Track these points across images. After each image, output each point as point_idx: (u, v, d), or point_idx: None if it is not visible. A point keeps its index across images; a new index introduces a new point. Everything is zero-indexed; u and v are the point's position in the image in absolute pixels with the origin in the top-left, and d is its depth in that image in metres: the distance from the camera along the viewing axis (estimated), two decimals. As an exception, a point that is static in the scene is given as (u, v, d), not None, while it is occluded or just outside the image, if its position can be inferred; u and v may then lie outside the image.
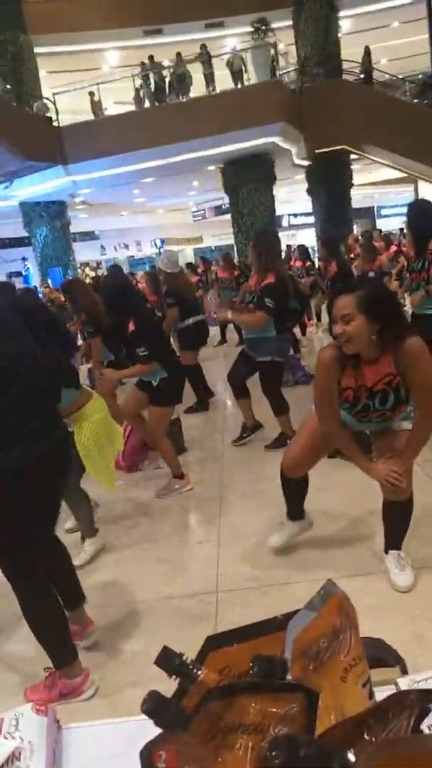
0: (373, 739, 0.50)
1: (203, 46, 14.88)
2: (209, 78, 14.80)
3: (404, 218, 4.86)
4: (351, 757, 0.51)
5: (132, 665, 2.25)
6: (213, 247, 26.25)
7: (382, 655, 1.61)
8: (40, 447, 1.94)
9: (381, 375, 2.29)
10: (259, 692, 0.57)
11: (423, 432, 2.38)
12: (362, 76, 15.70)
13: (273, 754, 0.48)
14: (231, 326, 9.01)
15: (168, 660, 0.63)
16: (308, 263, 9.53)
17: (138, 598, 2.77)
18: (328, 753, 0.49)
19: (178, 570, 2.98)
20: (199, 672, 0.63)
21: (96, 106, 15.24)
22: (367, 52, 15.78)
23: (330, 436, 2.53)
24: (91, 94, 15.15)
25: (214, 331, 8.97)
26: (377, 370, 2.29)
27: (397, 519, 2.57)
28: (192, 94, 14.80)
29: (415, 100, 15.92)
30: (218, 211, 23.61)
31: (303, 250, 10.06)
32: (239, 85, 14.44)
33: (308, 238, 19.78)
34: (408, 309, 4.28)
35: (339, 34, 16.13)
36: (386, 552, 2.62)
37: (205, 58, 14.77)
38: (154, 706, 0.57)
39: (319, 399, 2.48)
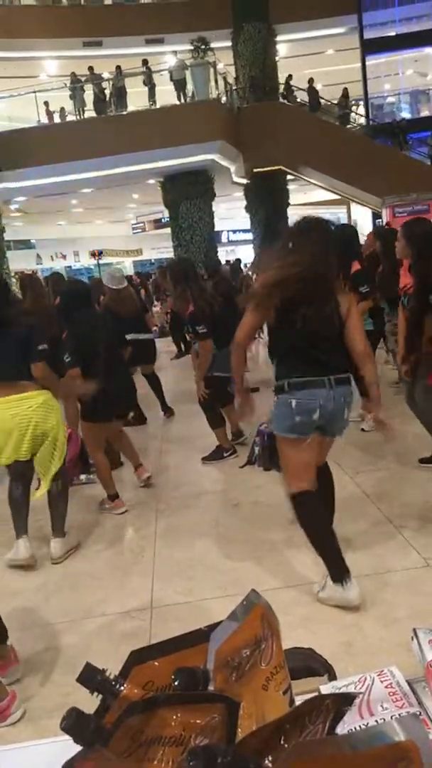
0: (287, 745, 0.52)
1: (145, 62, 14.99)
2: (151, 92, 14.93)
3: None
4: (268, 763, 0.52)
5: (62, 687, 2.19)
6: (153, 260, 26.23)
7: (311, 665, 1.64)
8: None
9: None
10: (180, 704, 0.58)
11: None
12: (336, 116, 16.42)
13: (191, 764, 0.48)
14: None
15: (90, 676, 0.62)
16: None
17: (70, 616, 2.70)
18: (245, 761, 0.50)
19: (112, 587, 2.93)
20: (122, 687, 0.63)
21: (50, 116, 15.12)
22: (345, 94, 16.45)
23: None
24: (46, 103, 15.03)
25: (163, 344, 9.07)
26: None
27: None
28: (131, 108, 14.86)
29: (348, 126, 16.63)
30: (158, 224, 23.64)
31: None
32: (182, 97, 14.63)
33: (247, 254, 20.11)
34: None
35: (276, 58, 16.66)
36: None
37: (147, 73, 14.90)
38: (73, 724, 0.57)
39: None
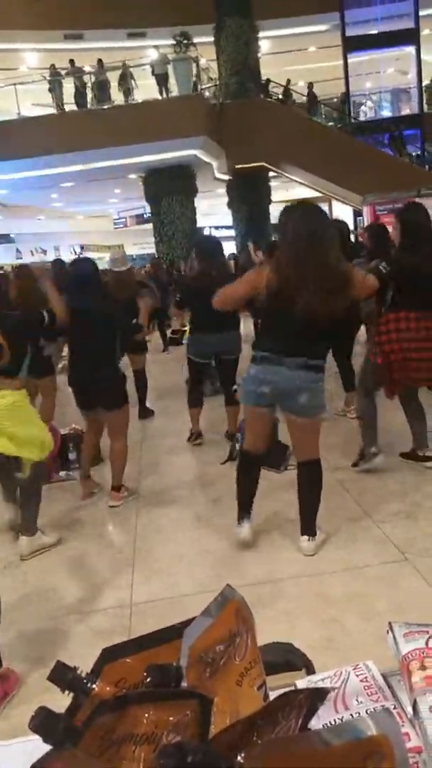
0: (260, 741, 0.51)
1: (124, 65, 14.80)
2: (127, 92, 14.76)
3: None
4: (240, 760, 0.52)
5: (38, 686, 2.17)
6: (134, 256, 26.04)
7: (290, 659, 1.65)
8: None
9: None
10: (152, 701, 0.57)
11: None
12: (335, 124, 16.42)
13: (161, 762, 0.47)
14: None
15: (61, 674, 0.61)
16: None
17: (48, 614, 2.67)
18: (217, 758, 0.49)
19: (91, 584, 2.90)
20: (93, 685, 0.62)
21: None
22: (343, 99, 16.47)
23: None
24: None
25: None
26: None
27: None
28: (114, 102, 14.73)
29: (330, 123, 16.69)
30: (140, 219, 23.51)
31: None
32: (164, 91, 14.54)
33: (229, 250, 20.10)
34: None
35: (259, 54, 16.65)
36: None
37: (126, 70, 14.74)
38: (42, 723, 0.56)
39: None
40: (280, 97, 16.18)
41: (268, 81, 15.92)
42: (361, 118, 17.60)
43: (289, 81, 16.37)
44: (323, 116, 17.19)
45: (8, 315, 3.19)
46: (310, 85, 16.48)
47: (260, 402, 2.79)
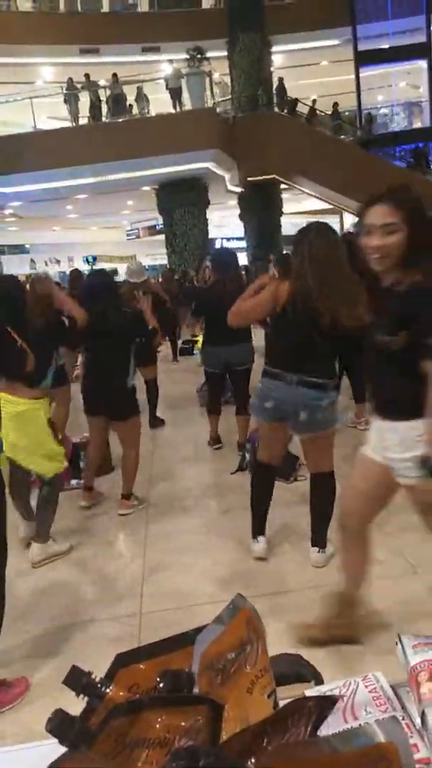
0: (269, 747, 0.52)
1: (140, 89, 15.02)
2: (142, 110, 14.97)
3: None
4: (250, 765, 0.53)
5: (49, 691, 2.18)
6: (147, 267, 26.19)
7: (299, 671, 1.65)
8: None
9: None
10: (164, 706, 0.58)
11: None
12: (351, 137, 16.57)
13: (174, 765, 0.49)
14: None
15: (76, 679, 0.63)
16: None
17: (58, 621, 2.69)
18: (228, 762, 0.50)
19: (101, 592, 2.92)
20: (108, 690, 0.63)
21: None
22: (369, 120, 16.65)
23: None
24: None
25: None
26: None
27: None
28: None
29: (342, 136, 16.79)
30: (152, 231, 23.69)
31: None
32: (178, 105, 14.72)
33: (241, 261, 20.14)
34: None
35: (272, 68, 16.83)
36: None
37: (141, 91, 14.95)
38: (58, 724, 0.57)
39: None
40: (299, 113, 16.27)
41: (296, 100, 16.05)
42: (380, 131, 17.69)
43: (314, 101, 16.52)
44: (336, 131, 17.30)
45: (31, 322, 3.21)
46: (336, 105, 16.64)
47: (266, 416, 2.82)
